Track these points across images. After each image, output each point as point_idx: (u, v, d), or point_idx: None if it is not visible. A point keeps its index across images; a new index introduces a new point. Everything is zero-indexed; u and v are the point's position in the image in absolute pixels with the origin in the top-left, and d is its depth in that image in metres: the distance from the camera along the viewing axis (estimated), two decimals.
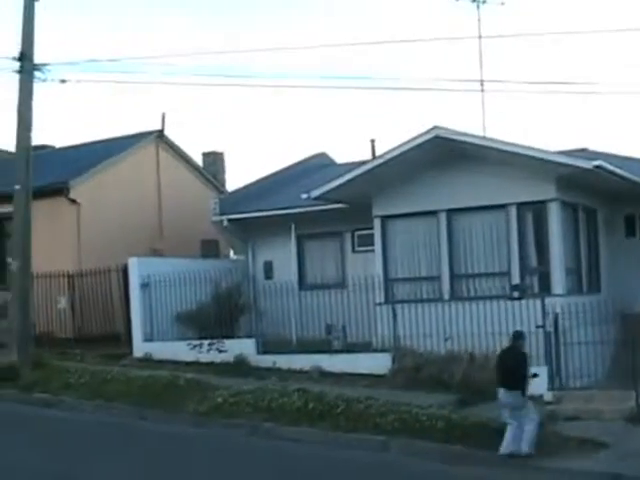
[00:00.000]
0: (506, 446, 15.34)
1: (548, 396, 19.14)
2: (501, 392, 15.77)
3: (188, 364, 23.83)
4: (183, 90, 69.67)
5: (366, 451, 16.01)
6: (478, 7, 30.49)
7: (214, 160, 37.01)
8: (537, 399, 19.03)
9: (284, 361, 23.34)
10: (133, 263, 26.40)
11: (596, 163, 21.63)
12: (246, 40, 67.63)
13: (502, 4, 30.90)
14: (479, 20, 30.26)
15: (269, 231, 28.56)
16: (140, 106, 65.61)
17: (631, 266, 25.58)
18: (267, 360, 23.55)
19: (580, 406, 18.19)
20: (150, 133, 33.61)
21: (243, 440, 17.07)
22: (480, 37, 29.67)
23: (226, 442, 16.92)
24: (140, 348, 25.69)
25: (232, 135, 63.24)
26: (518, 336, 16.31)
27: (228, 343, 24.44)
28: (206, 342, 24.70)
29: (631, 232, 26.10)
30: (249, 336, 24.97)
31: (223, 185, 36.58)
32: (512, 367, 15.73)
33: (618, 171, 22.66)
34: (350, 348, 23.55)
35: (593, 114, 61.23)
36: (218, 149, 37.84)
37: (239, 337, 25.19)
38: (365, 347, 23.43)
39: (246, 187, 30.86)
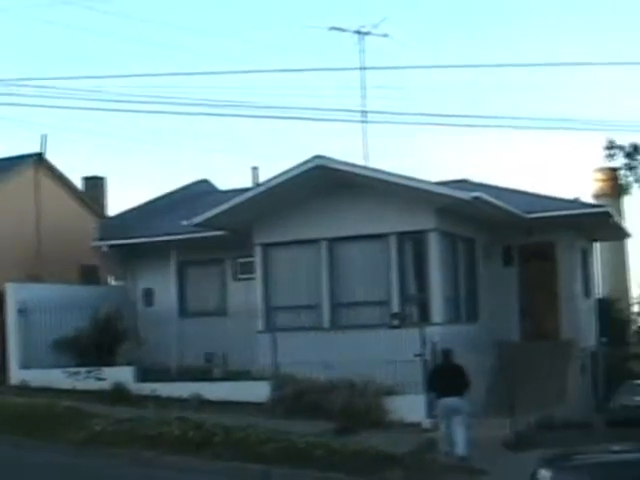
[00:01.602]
0: (449, 449, 16.77)
1: (426, 423, 19.35)
2: (447, 400, 16.99)
3: (66, 392, 23.36)
4: (64, 113, 68.75)
5: None
6: (363, 38, 31.02)
7: (95, 185, 36.55)
8: (415, 426, 19.30)
9: (164, 389, 23.09)
10: (10, 288, 25.94)
11: (475, 195, 22.05)
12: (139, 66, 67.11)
13: (385, 36, 31.46)
14: (362, 51, 30.79)
15: (150, 257, 28.33)
16: (19, 129, 64.53)
17: (508, 295, 26.12)
18: (147, 388, 23.24)
19: None
20: (29, 156, 33.00)
21: (124, 469, 16.79)
22: (363, 68, 30.15)
23: (105, 472, 16.64)
24: (16, 375, 25.21)
25: (114, 160, 62.56)
26: (449, 352, 17.89)
27: (107, 371, 24.11)
28: (84, 370, 24.32)
29: (508, 261, 26.63)
30: (129, 364, 24.67)
31: (104, 210, 36.14)
32: (454, 377, 17.13)
33: (497, 202, 23.13)
34: (230, 376, 23.50)
35: (475, 146, 62.33)
36: (99, 173, 37.44)
37: (119, 364, 24.88)
38: (246, 375, 23.37)
39: (127, 212, 30.50)
